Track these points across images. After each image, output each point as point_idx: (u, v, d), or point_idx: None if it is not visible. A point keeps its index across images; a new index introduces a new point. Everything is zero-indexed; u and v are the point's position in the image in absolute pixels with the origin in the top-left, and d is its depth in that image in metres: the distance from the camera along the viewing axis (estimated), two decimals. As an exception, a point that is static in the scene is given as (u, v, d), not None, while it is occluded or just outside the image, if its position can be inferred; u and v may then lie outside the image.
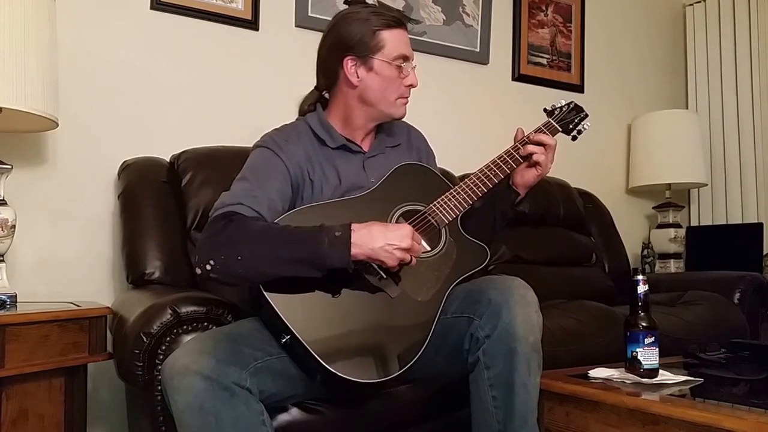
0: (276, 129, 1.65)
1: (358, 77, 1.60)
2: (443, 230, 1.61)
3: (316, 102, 1.72)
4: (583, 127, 1.78)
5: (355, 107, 1.64)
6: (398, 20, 1.62)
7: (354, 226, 1.37)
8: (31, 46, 1.67)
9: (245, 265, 1.34)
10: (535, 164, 1.67)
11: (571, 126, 1.77)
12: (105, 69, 2.18)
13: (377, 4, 1.63)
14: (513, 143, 1.70)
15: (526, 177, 1.70)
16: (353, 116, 1.65)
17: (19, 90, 1.64)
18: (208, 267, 1.35)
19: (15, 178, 1.87)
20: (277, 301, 1.36)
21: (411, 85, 1.65)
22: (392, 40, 1.60)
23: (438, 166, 1.86)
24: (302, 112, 1.73)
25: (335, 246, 1.34)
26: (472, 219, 1.70)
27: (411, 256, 1.41)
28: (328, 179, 1.60)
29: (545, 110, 1.78)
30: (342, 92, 1.65)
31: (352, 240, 1.35)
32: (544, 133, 1.70)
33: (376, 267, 1.41)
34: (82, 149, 2.12)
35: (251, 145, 1.65)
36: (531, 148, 1.66)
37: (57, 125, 1.83)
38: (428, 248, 1.56)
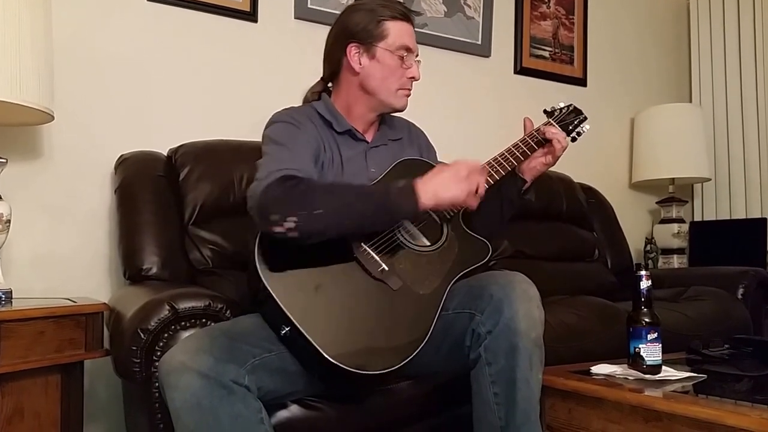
0: (286, 108, 1.65)
1: (360, 64, 1.62)
2: (445, 225, 1.61)
3: (321, 92, 1.73)
4: (582, 129, 1.79)
5: (356, 96, 1.65)
6: (404, 13, 1.64)
7: (416, 179, 1.43)
8: (26, 38, 1.65)
9: (326, 219, 1.36)
10: (548, 153, 1.69)
11: (570, 128, 1.77)
12: (101, 61, 2.16)
13: None
14: (522, 137, 1.71)
15: (533, 164, 1.71)
16: (355, 105, 1.66)
17: (13, 82, 1.62)
18: (291, 224, 1.34)
19: (10, 172, 1.85)
20: (277, 292, 1.35)
21: (413, 78, 1.65)
22: (396, 30, 1.62)
23: (439, 160, 1.85)
24: (306, 102, 1.73)
25: (402, 196, 1.41)
26: (478, 210, 1.69)
27: (477, 185, 1.47)
28: (333, 162, 1.61)
29: (545, 111, 1.80)
30: (345, 80, 1.66)
31: (416, 188, 1.41)
32: (524, 151, 1.70)
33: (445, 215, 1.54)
34: (78, 143, 2.10)
35: (249, 138, 1.63)
36: (554, 130, 1.68)
37: (53, 118, 1.82)
38: (429, 243, 1.56)
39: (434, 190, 1.42)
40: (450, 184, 1.44)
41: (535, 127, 1.73)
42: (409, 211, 1.43)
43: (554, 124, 1.74)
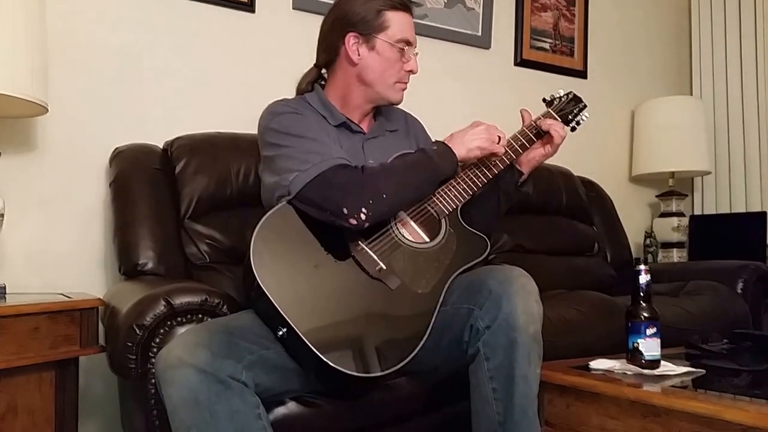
0: (282, 99, 1.63)
1: (359, 55, 1.59)
2: (443, 220, 1.60)
3: (314, 81, 1.70)
4: (581, 118, 1.77)
5: (353, 86, 1.63)
6: (405, 4, 1.62)
7: (439, 141, 1.59)
8: (20, 29, 1.63)
9: (390, 201, 1.44)
10: (547, 144, 1.69)
11: (570, 117, 1.76)
12: (96, 53, 2.14)
13: None
14: (520, 128, 1.70)
15: (531, 155, 1.71)
16: (351, 95, 1.64)
17: (7, 74, 1.60)
18: (363, 216, 1.39)
19: (3, 165, 1.83)
20: (273, 292, 1.34)
21: (411, 71, 1.64)
22: (397, 22, 1.59)
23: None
24: (300, 91, 1.71)
25: (442, 156, 1.53)
26: (475, 203, 1.69)
27: (498, 135, 1.59)
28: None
29: (544, 100, 1.78)
30: (341, 69, 1.64)
31: (450, 146, 1.55)
32: (522, 143, 1.69)
33: (457, 197, 1.60)
34: (72, 135, 2.08)
35: (246, 131, 1.61)
36: (550, 122, 1.68)
37: (47, 111, 1.80)
38: (427, 239, 1.55)
39: (462, 142, 1.56)
40: (474, 136, 1.58)
41: (533, 118, 1.72)
42: (453, 166, 1.56)
43: (553, 114, 1.73)
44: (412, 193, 1.51)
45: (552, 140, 1.68)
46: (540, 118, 1.71)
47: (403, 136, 1.76)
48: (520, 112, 1.74)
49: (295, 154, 1.47)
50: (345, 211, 1.38)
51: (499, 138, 1.60)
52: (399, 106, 1.74)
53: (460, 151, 1.55)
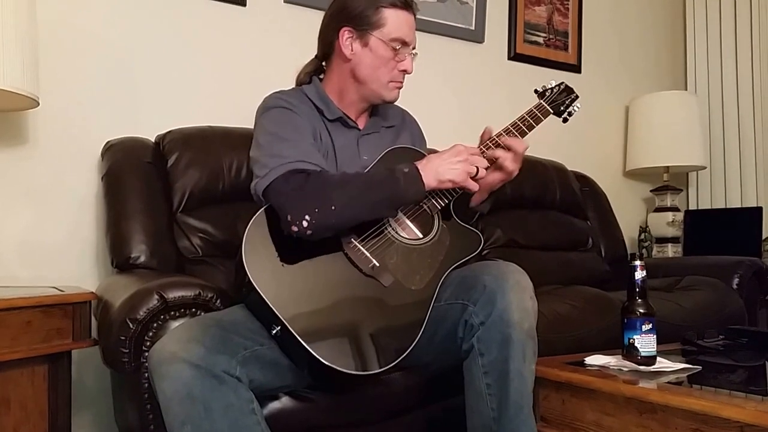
0: (279, 92, 1.62)
1: (352, 50, 1.58)
2: (436, 216, 1.58)
3: (314, 72, 1.69)
4: (573, 109, 1.75)
5: (347, 82, 1.62)
6: (406, 3, 1.59)
7: (416, 162, 1.46)
8: (9, 21, 1.61)
9: (339, 213, 1.38)
10: (501, 168, 1.59)
11: (562, 108, 1.74)
12: (87, 46, 2.12)
13: None
14: (482, 142, 1.61)
15: (489, 179, 1.61)
16: (347, 91, 1.63)
17: (-3, 67, 1.58)
18: (305, 224, 1.35)
19: (-5, 158, 1.82)
20: (266, 291, 1.33)
21: (405, 71, 1.61)
22: (394, 20, 1.57)
23: (432, 147, 1.82)
24: (299, 83, 1.70)
25: (409, 181, 1.43)
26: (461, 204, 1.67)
27: (476, 167, 1.48)
28: (327, 150, 1.59)
29: (536, 91, 1.75)
30: (337, 64, 1.63)
31: (420, 171, 1.44)
32: (515, 135, 1.61)
33: (447, 194, 1.53)
34: (64, 129, 2.06)
35: (238, 124, 1.60)
36: (499, 153, 1.57)
37: (38, 104, 1.78)
38: (420, 235, 1.54)
39: (436, 172, 1.46)
40: (450, 165, 1.47)
41: (486, 140, 1.60)
42: (417, 194, 1.47)
43: (514, 131, 1.62)
44: (366, 211, 1.43)
45: (504, 166, 1.58)
46: (495, 141, 1.59)
47: (399, 132, 1.75)
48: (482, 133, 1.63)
49: (262, 157, 1.47)
50: (288, 217, 1.36)
51: (477, 169, 1.49)
52: (396, 103, 1.72)
53: (431, 181, 1.45)
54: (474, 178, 1.50)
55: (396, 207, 1.48)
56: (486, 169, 1.54)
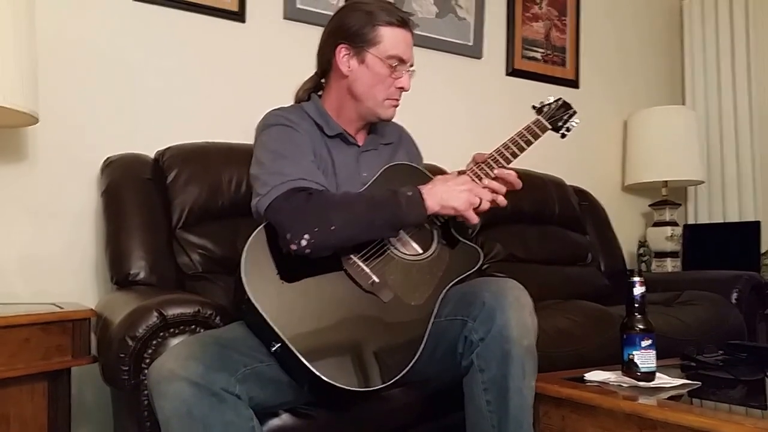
0: (278, 109, 1.62)
1: (348, 67, 1.58)
2: (435, 232, 1.58)
3: (312, 89, 1.70)
4: (571, 125, 1.73)
5: (345, 99, 1.62)
6: (403, 20, 1.59)
7: (420, 186, 1.45)
8: (9, 38, 1.62)
9: (339, 234, 1.38)
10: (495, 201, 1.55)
11: (560, 123, 1.72)
12: (87, 62, 2.13)
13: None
14: (476, 163, 1.58)
15: (484, 207, 1.54)
16: (345, 108, 1.63)
17: (-3, 84, 1.59)
18: (304, 242, 1.35)
19: (-6, 175, 1.82)
20: (266, 308, 1.33)
21: (402, 88, 1.61)
22: (391, 38, 1.57)
23: (430, 162, 1.83)
24: (297, 99, 1.71)
25: (411, 205, 1.42)
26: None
27: (479, 198, 1.47)
28: (326, 167, 1.59)
29: (534, 107, 1.74)
30: (334, 81, 1.63)
31: (423, 195, 1.43)
32: (512, 152, 1.59)
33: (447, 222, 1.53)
34: (63, 145, 2.07)
35: (237, 141, 1.60)
36: (495, 185, 1.54)
37: (37, 121, 1.79)
38: (420, 250, 1.54)
39: (440, 198, 1.45)
40: (455, 194, 1.46)
41: (479, 163, 1.57)
42: (419, 218, 1.45)
43: (507, 166, 1.58)
44: (366, 232, 1.43)
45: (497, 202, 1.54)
46: (497, 159, 1.58)
47: (398, 149, 1.75)
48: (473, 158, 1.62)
49: (263, 175, 1.47)
50: (288, 235, 1.36)
51: (480, 200, 1.48)
52: (394, 120, 1.71)
53: (433, 205, 1.44)
54: (476, 209, 1.49)
55: (396, 229, 1.47)
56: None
